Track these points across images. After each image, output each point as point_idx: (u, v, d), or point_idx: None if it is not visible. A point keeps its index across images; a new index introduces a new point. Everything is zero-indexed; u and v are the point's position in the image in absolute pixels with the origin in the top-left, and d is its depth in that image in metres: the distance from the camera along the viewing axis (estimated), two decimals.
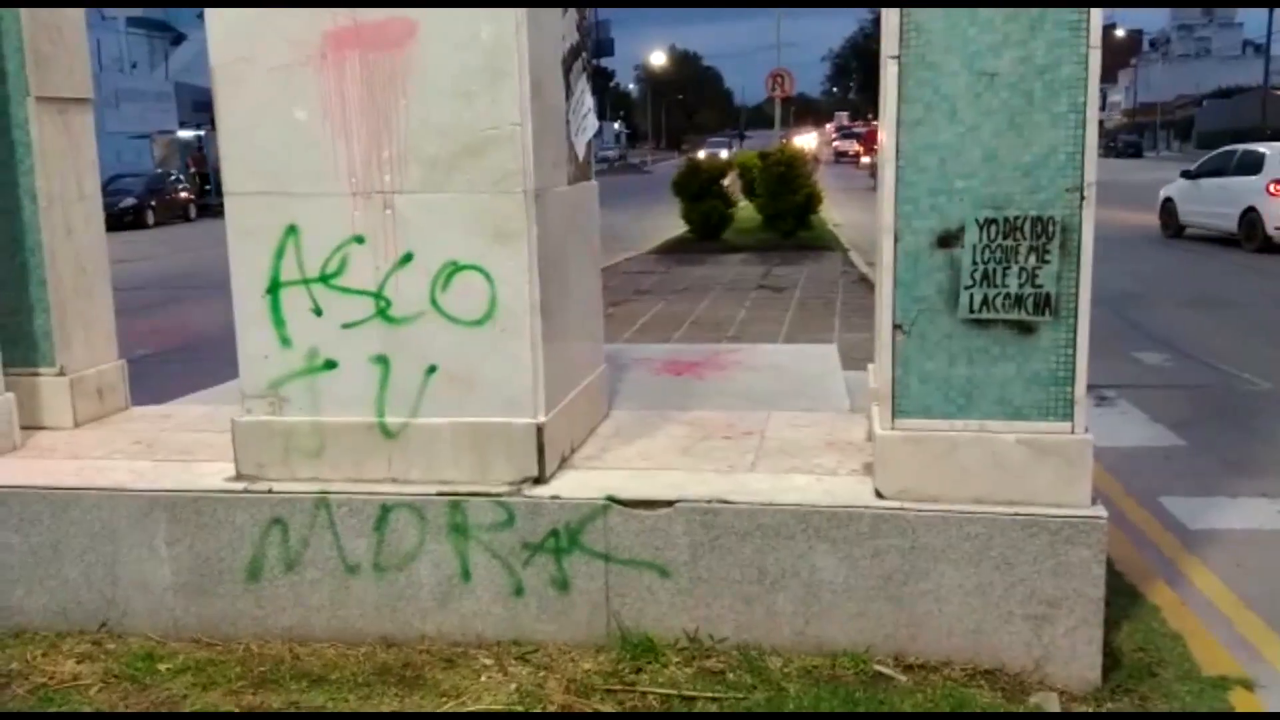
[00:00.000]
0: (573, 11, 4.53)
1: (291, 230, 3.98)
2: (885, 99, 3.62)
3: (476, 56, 3.82)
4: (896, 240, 3.64)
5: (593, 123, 4.86)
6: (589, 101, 4.80)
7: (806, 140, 60.82)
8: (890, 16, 3.56)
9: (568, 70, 4.42)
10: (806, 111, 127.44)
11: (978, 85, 3.54)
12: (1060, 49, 3.49)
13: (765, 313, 12.15)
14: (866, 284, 13.59)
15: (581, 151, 4.64)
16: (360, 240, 3.95)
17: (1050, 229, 3.56)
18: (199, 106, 40.07)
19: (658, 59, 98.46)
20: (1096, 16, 3.49)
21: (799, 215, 20.35)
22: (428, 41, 3.83)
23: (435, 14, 3.81)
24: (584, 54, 4.72)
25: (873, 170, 42.76)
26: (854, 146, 58.63)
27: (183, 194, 32.55)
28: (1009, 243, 3.59)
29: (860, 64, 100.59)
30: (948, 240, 3.63)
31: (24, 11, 4.57)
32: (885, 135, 3.65)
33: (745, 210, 22.85)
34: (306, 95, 3.90)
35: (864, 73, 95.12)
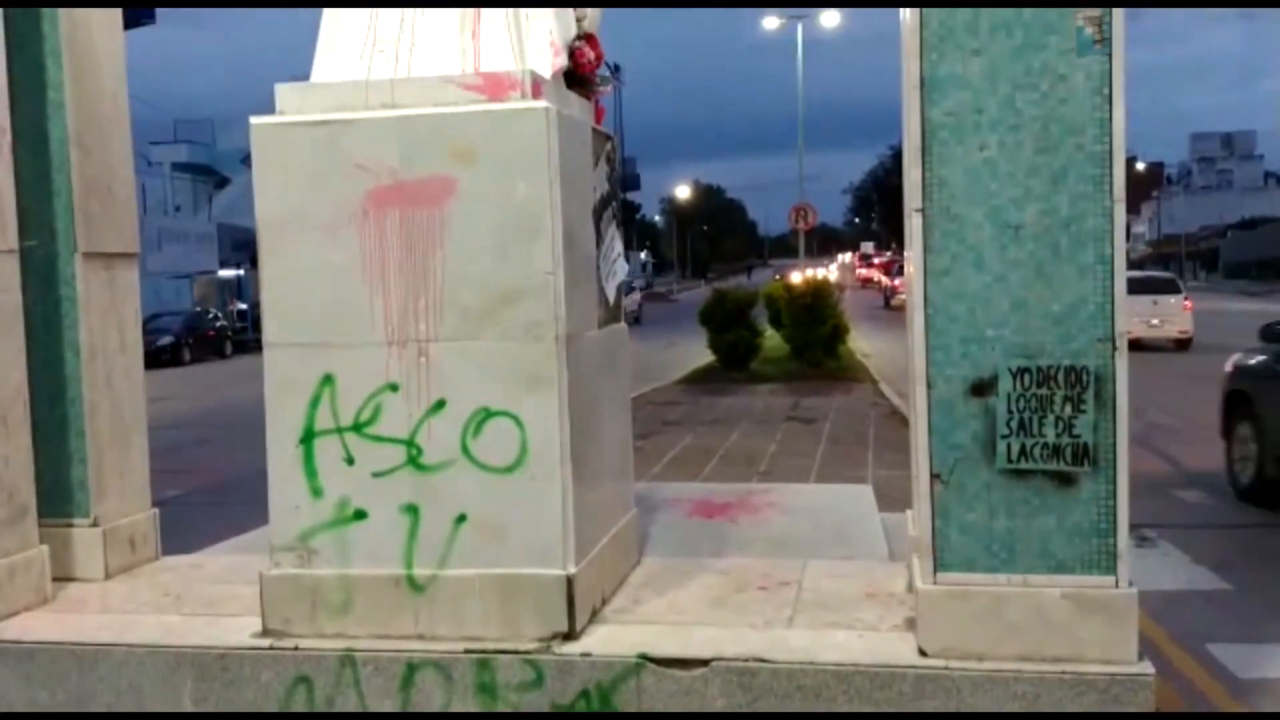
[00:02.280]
0: (604, 163, 4.66)
1: (327, 380, 4.03)
2: (911, 248, 3.67)
3: (512, 212, 3.92)
4: (930, 388, 3.64)
5: (623, 267, 4.94)
6: (619, 247, 4.90)
7: (830, 270, 61.82)
8: (913, 171, 3.63)
9: (598, 219, 4.53)
10: (830, 241, 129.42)
11: (1003, 237, 3.59)
12: (1084, 202, 3.54)
13: (796, 446, 12.09)
14: (898, 417, 13.53)
15: (612, 295, 4.71)
16: (394, 388, 4.00)
17: (1084, 379, 3.55)
18: (239, 246, 41.13)
19: (682, 192, 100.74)
20: (1119, 170, 3.55)
21: (827, 346, 20.44)
22: (466, 198, 3.94)
23: (474, 173, 3.92)
24: (614, 203, 4.84)
25: (884, 292, 44.45)
26: (876, 275, 60.04)
27: (220, 331, 33.18)
28: (1043, 392, 3.58)
29: (881, 196, 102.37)
30: (981, 389, 3.62)
31: (76, 171, 4.74)
32: (913, 283, 3.69)
33: (772, 340, 22.98)
34: (347, 250, 3.99)
35: (885, 205, 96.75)
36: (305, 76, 4.29)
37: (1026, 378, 3.59)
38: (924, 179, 3.61)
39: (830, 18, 37.25)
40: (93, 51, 4.88)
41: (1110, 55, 3.49)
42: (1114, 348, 3.55)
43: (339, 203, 4.00)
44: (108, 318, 4.96)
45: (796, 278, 24.54)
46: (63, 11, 4.73)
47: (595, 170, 4.52)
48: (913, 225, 3.65)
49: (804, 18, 37.29)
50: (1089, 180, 3.54)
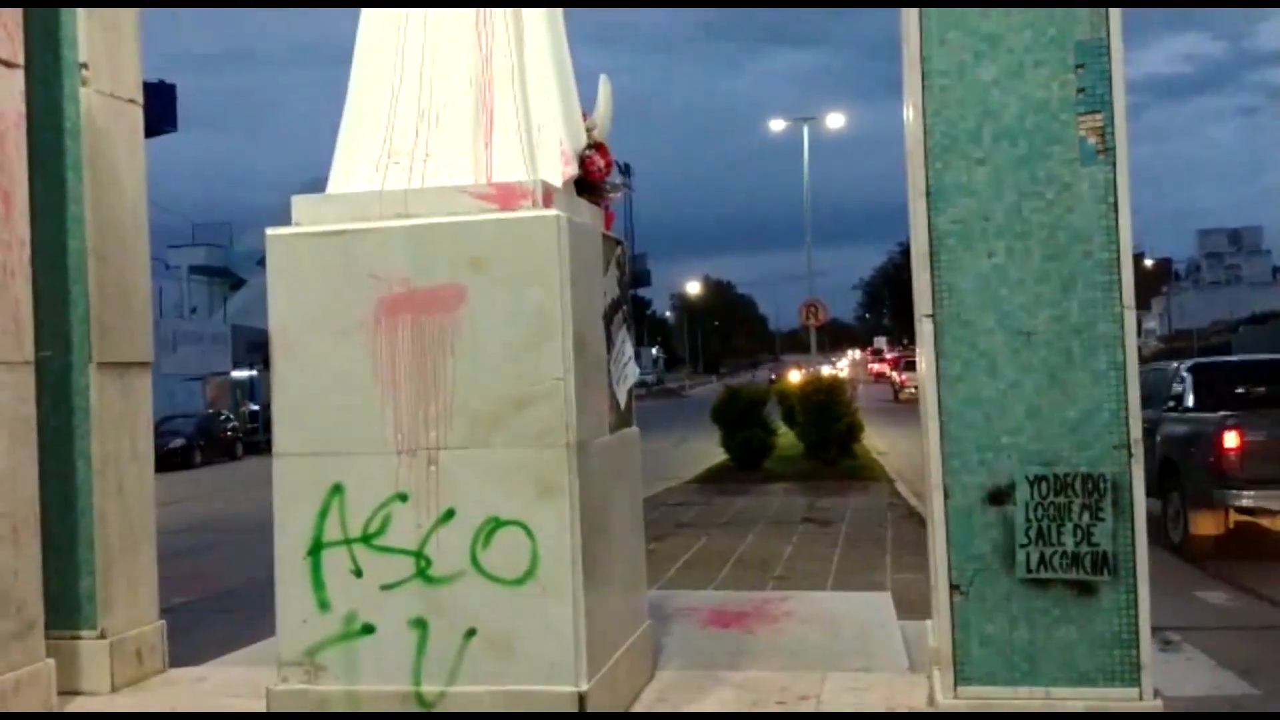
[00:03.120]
0: (614, 267, 4.70)
1: (337, 489, 4.01)
2: (923, 354, 3.67)
3: (523, 318, 3.94)
4: (947, 497, 3.60)
5: (634, 370, 4.94)
6: (629, 350, 4.91)
7: (841, 366, 62.17)
8: (921, 276, 3.65)
9: (609, 323, 4.54)
10: (842, 336, 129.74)
11: (1015, 343, 3.59)
12: (1094, 308, 3.55)
13: (812, 549, 11.92)
14: (916, 518, 13.38)
15: (623, 399, 4.70)
16: (403, 498, 3.97)
17: (1102, 486, 3.52)
18: (253, 347, 41.41)
19: (692, 287, 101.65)
20: (1128, 277, 3.56)
21: (841, 444, 20.30)
22: (477, 305, 3.96)
23: (485, 280, 3.95)
24: (624, 306, 4.86)
25: (894, 386, 45.23)
26: (888, 369, 60.55)
27: (231, 433, 33.20)
28: (1061, 500, 3.54)
29: (891, 291, 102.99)
30: (999, 497, 3.58)
31: (93, 283, 4.80)
32: (926, 390, 3.68)
33: (786, 438, 22.86)
34: (359, 358, 4.01)
35: (895, 300, 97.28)
36: (322, 178, 4.38)
37: (1044, 485, 3.55)
38: (933, 285, 3.62)
39: (835, 119, 38.00)
40: (114, 165, 4.98)
41: (1114, 164, 3.54)
42: (1130, 454, 3.52)
43: (351, 311, 4.03)
44: (120, 427, 4.97)
45: (798, 375, 24.48)
46: (85, 126, 4.84)
47: (606, 275, 4.56)
48: (923, 331, 3.65)
49: (810, 120, 37.99)
50: (1099, 287, 3.55)
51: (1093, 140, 3.52)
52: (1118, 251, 3.55)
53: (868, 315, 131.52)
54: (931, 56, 3.62)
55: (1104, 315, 3.55)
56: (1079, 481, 3.53)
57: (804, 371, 25.10)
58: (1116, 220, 3.54)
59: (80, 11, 4.89)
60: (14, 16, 4.47)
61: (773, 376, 29.92)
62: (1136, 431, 3.53)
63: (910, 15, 3.70)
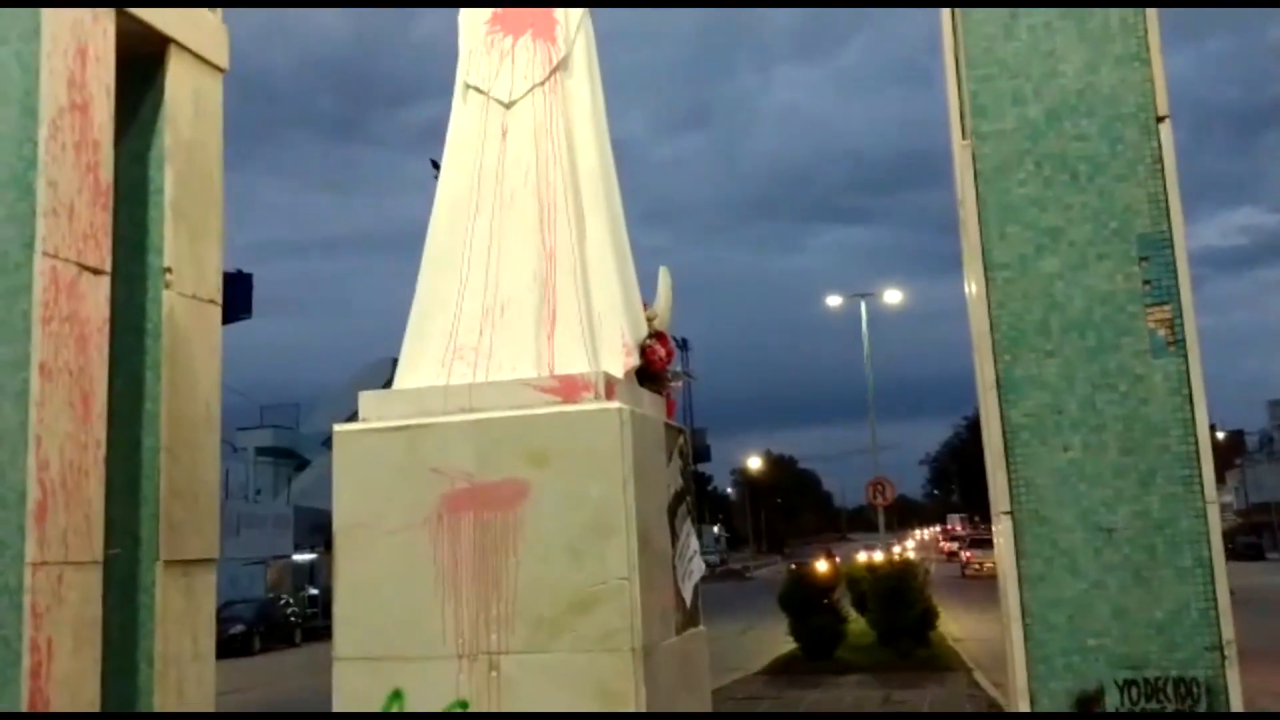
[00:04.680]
0: (677, 458, 4.66)
1: (396, 695, 3.90)
2: (1002, 553, 3.56)
3: (586, 515, 3.89)
4: (1033, 703, 3.42)
5: (699, 565, 4.83)
6: (694, 544, 4.81)
7: (908, 547, 60.72)
8: (997, 473, 3.57)
9: (673, 516, 4.48)
10: (910, 514, 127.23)
11: (1096, 540, 3.47)
12: (1175, 503, 3.44)
13: None
14: (998, 710, 12.74)
15: (688, 597, 4.58)
16: (464, 705, 3.85)
17: (1195, 691, 3.33)
18: (315, 529, 41.60)
19: (754, 463, 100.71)
20: (1208, 471, 3.46)
21: (915, 632, 19.55)
22: (539, 501, 3.93)
23: (548, 474, 3.93)
24: (688, 498, 4.80)
25: (961, 563, 43.67)
26: (962, 550, 58.89)
27: (291, 618, 33.01)
28: (1153, 706, 3.34)
29: (959, 467, 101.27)
30: (1087, 703, 3.40)
31: (164, 479, 4.88)
32: (1007, 591, 3.55)
33: (857, 625, 22.11)
34: (420, 558, 3.97)
35: (963, 476, 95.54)
36: (385, 358, 4.45)
37: (1134, 690, 3.36)
38: (1010, 481, 3.54)
39: (893, 295, 38.20)
40: (191, 364, 5.13)
41: (1186, 356, 3.48)
42: (1223, 656, 3.33)
43: (414, 508, 4.02)
44: (183, 626, 4.95)
45: (863, 556, 23.79)
46: (166, 327, 5.01)
47: (669, 466, 4.52)
48: (1000, 529, 3.54)
49: (867, 296, 38.21)
50: (1178, 481, 3.45)
51: (1162, 332, 3.48)
52: (1195, 444, 3.46)
53: (936, 491, 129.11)
54: (993, 249, 3.64)
55: (1186, 510, 3.43)
56: (1170, 686, 3.34)
57: (870, 555, 24.41)
58: (1192, 412, 3.46)
59: (168, 217, 5.13)
60: (104, 225, 4.70)
61: (822, 559, 28.59)
62: (1229, 632, 3.35)
63: (968, 205, 3.74)
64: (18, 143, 4.46)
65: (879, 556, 28.68)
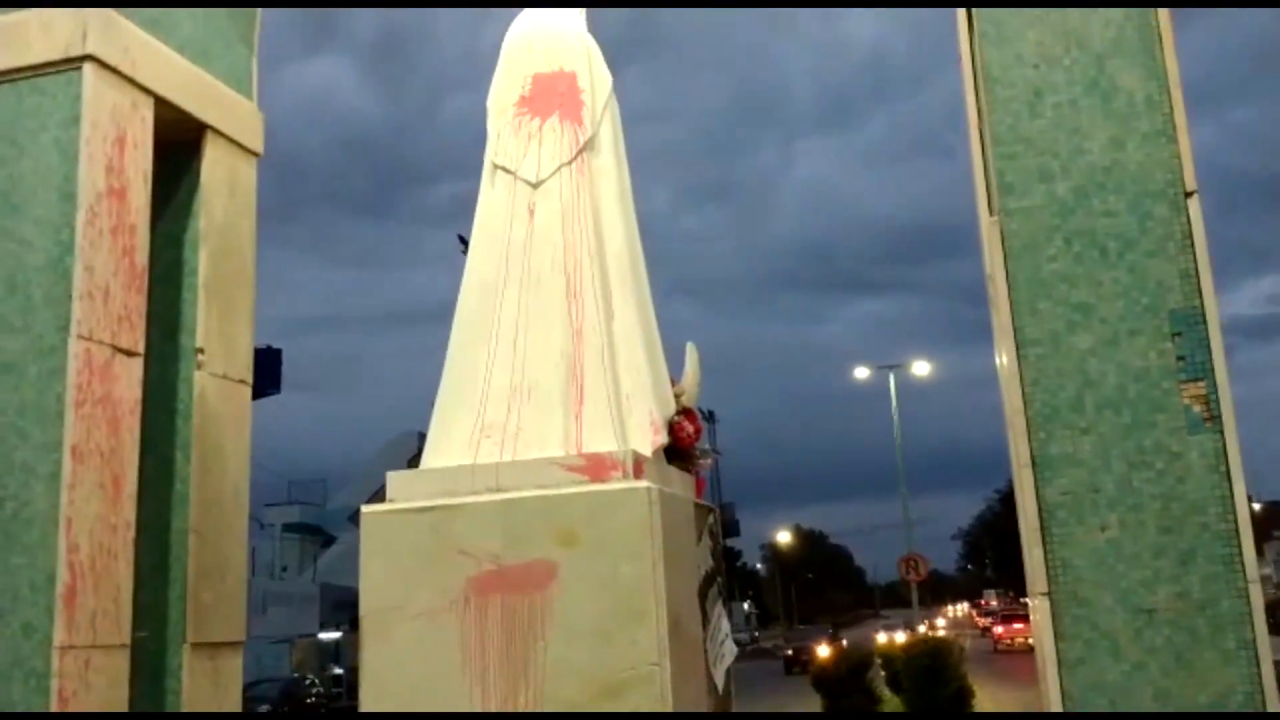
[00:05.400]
0: (706, 537, 4.61)
1: None
2: (1040, 639, 3.47)
3: (615, 597, 3.84)
4: None
5: (731, 649, 4.75)
6: (725, 627, 4.74)
7: (939, 624, 59.77)
8: (1034, 552, 3.51)
9: (703, 598, 4.41)
10: (943, 590, 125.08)
11: (1137, 621, 3.39)
12: (1216, 584, 3.37)
13: None
14: None
15: (720, 682, 4.49)
16: None
17: None
18: (341, 606, 41.37)
19: (783, 537, 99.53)
20: (1249, 549, 3.38)
21: (952, 712, 19.12)
22: (568, 582, 3.89)
23: (576, 555, 3.90)
24: (719, 579, 4.74)
25: (994, 638, 42.70)
26: (994, 624, 58.06)
27: (315, 698, 32.71)
28: None
29: (993, 541, 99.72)
30: None
31: (192, 561, 4.88)
32: (1047, 676, 3.46)
33: (892, 703, 21.66)
34: (448, 641, 3.92)
35: (997, 551, 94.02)
36: (411, 431, 4.44)
37: None
38: (1047, 561, 3.48)
39: (921, 367, 37.98)
40: (220, 444, 5.15)
41: (1222, 431, 3.43)
42: None
43: (441, 590, 3.98)
44: (210, 709, 4.89)
45: (883, 637, 23.24)
46: (197, 407, 5.05)
47: (699, 546, 4.47)
48: (1038, 609, 3.47)
49: (895, 368, 38.01)
50: (1219, 560, 3.37)
51: (1198, 408, 3.44)
52: (1235, 521, 3.39)
53: (969, 566, 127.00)
54: (1024, 326, 3.62)
55: (1228, 590, 3.35)
56: None
57: (891, 636, 23.86)
58: (1231, 489, 3.40)
59: (200, 298, 5.19)
60: (138, 307, 4.76)
61: (823, 643, 27.42)
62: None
63: (998, 281, 3.73)
64: (55, 228, 4.55)
65: (901, 637, 27.84)
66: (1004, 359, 3.69)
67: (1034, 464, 3.53)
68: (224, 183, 5.42)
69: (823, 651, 22.65)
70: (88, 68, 4.64)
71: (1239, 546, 3.36)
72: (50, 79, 4.68)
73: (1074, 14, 4.03)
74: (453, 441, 4.42)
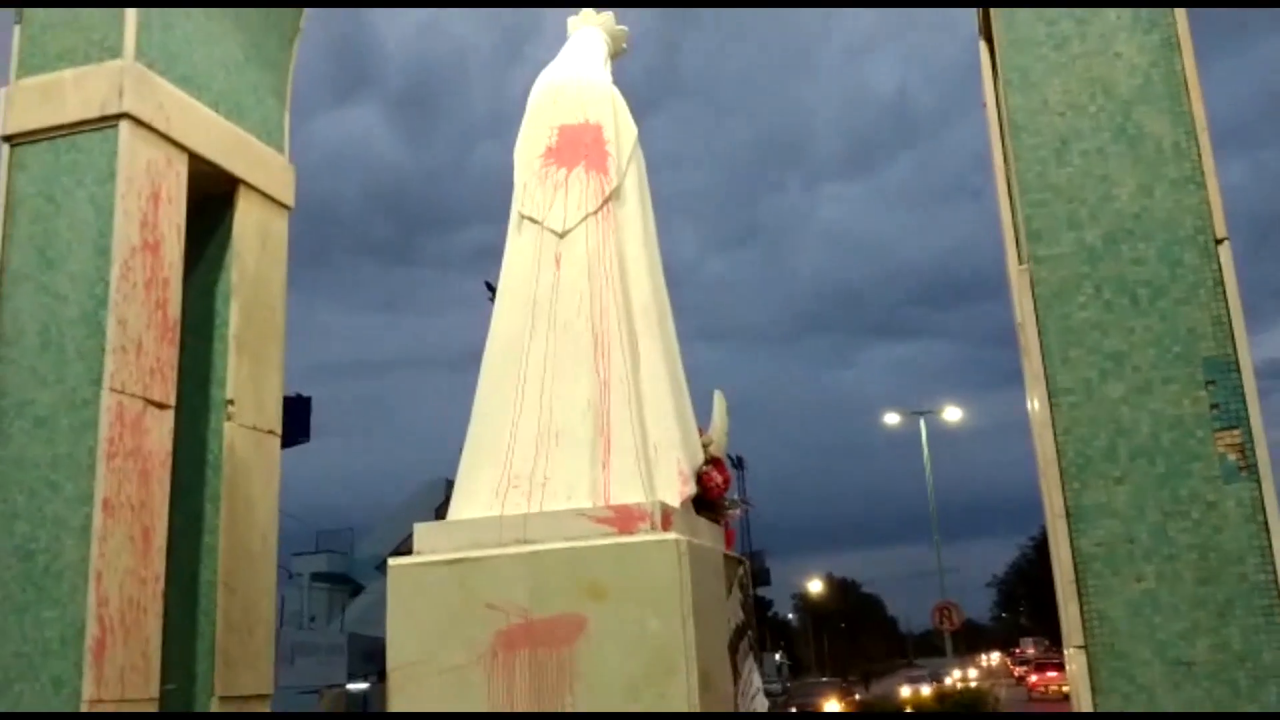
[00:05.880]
0: (736, 590, 4.56)
1: None
2: (1077, 693, 3.40)
3: (644, 652, 3.79)
4: None
5: (762, 703, 4.69)
6: (757, 681, 4.67)
7: (971, 675, 58.83)
8: (1069, 605, 3.45)
9: (734, 652, 4.36)
10: (977, 639, 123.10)
11: (1175, 675, 3.32)
12: (1257, 636, 3.32)
13: None
14: None
15: None
16: None
17: None
18: (368, 657, 41.12)
19: (814, 586, 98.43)
20: None
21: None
22: (596, 637, 3.85)
23: (604, 609, 3.86)
24: (749, 632, 4.68)
25: (1029, 687, 41.81)
26: (1029, 673, 57.36)
27: None
28: None
29: (1028, 589, 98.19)
30: None
31: (220, 614, 4.87)
32: None
33: None
34: (474, 698, 3.88)
35: (1031, 599, 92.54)
36: (438, 477, 4.42)
37: None
38: (1082, 614, 3.41)
39: (952, 413, 37.57)
40: (250, 495, 5.17)
41: (1258, 480, 3.37)
42: None
43: (469, 644, 3.95)
44: None
45: (906, 691, 22.70)
46: (226, 459, 5.07)
47: (729, 599, 4.42)
48: (1075, 665, 3.40)
49: (926, 414, 37.62)
50: (1259, 612, 3.30)
51: (1233, 457, 3.38)
52: (1274, 572, 3.32)
53: (1004, 614, 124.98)
54: (1056, 374, 3.58)
55: (1268, 643, 3.28)
56: None
57: (916, 689, 23.33)
58: (1269, 539, 3.33)
59: (231, 349, 5.24)
60: (170, 360, 4.80)
61: (832, 699, 25.82)
62: None
63: (1029, 330, 3.70)
64: (90, 282, 4.61)
65: (926, 689, 26.91)
66: (1036, 406, 3.65)
67: (1068, 514, 3.48)
68: (255, 236, 5.49)
69: (830, 708, 21.14)
70: (123, 125, 4.72)
71: (1278, 598, 3.28)
72: (86, 136, 4.77)
73: (1099, 60, 4.03)
74: (480, 491, 4.40)
